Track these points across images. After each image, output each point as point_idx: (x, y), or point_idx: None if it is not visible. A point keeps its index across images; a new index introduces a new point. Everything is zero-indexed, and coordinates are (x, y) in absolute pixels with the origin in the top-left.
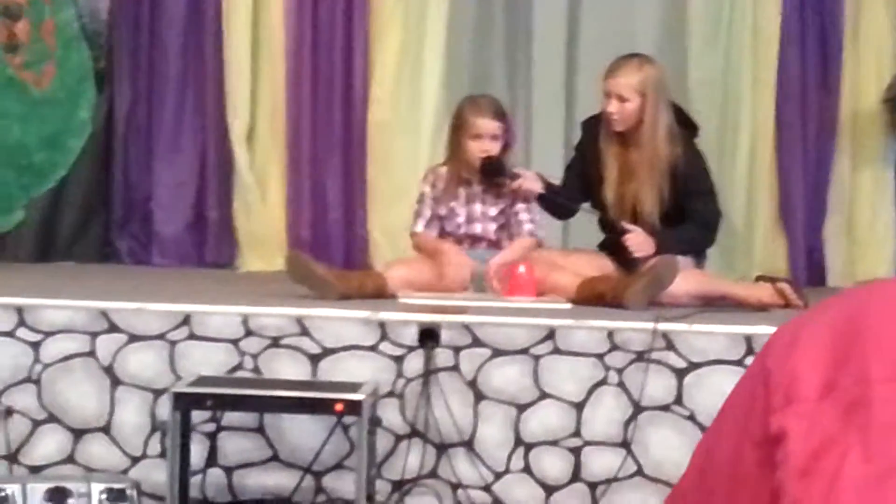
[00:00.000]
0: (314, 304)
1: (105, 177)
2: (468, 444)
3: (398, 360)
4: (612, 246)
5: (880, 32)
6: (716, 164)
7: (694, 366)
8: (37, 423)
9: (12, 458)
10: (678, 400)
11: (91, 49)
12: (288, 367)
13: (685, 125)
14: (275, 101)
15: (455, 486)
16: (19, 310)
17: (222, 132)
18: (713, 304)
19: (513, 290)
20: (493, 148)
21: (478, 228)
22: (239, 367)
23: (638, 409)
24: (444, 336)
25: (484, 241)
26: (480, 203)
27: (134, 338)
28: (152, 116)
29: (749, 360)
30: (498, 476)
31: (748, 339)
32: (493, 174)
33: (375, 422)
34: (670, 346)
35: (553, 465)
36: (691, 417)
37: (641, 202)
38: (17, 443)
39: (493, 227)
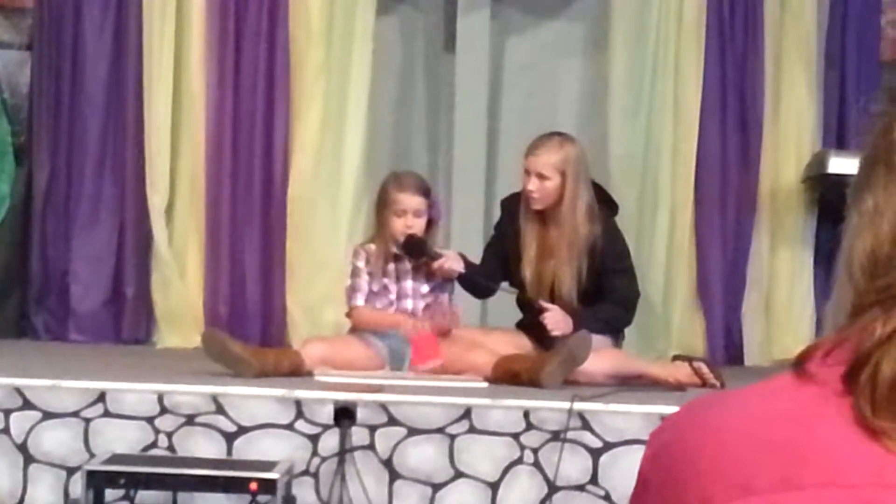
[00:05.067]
0: (230, 381)
1: (22, 251)
2: None
3: (313, 438)
4: (531, 324)
5: (801, 110)
6: (634, 242)
7: (609, 445)
8: None
9: None
10: (594, 479)
11: (11, 123)
12: (203, 445)
13: (605, 203)
14: (194, 175)
15: None
16: None
17: (141, 207)
18: (630, 384)
19: (417, 357)
20: (418, 224)
21: (409, 305)
22: (154, 444)
23: (553, 488)
24: (360, 414)
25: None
26: (412, 280)
27: (48, 415)
28: (71, 191)
29: None
30: None
31: (664, 419)
32: (415, 253)
33: (290, 501)
34: (586, 426)
35: None
36: (606, 497)
37: (560, 281)
38: None
39: (422, 304)
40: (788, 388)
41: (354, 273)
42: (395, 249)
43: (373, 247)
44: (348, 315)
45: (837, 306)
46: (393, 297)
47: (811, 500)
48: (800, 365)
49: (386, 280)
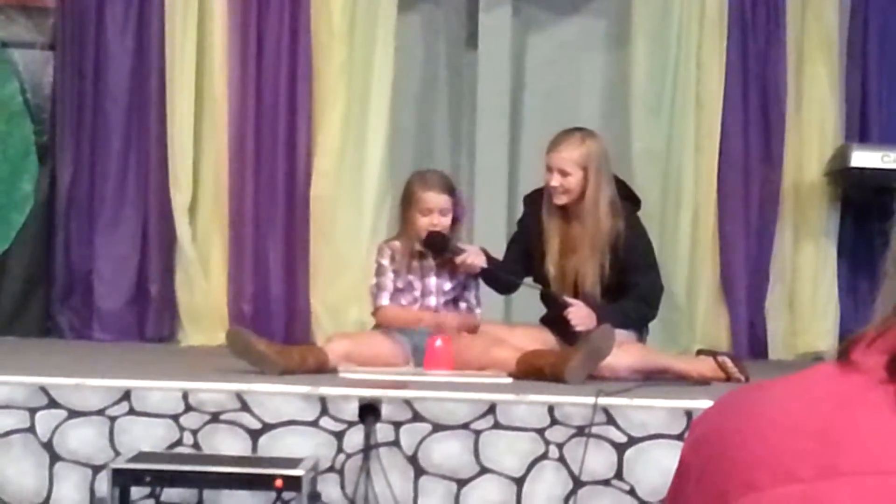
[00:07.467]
0: (254, 379)
1: (46, 250)
2: None
3: (338, 435)
4: (555, 320)
5: (823, 104)
6: (658, 237)
7: (634, 440)
8: None
9: None
10: (618, 474)
11: (34, 123)
12: (228, 443)
13: (628, 199)
14: (217, 174)
15: None
16: None
17: (164, 205)
18: (654, 378)
19: (429, 362)
20: (443, 222)
21: (432, 301)
22: (178, 442)
23: (578, 483)
24: (385, 411)
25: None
26: (436, 276)
27: (73, 413)
28: (94, 190)
29: None
30: None
31: (688, 414)
32: (437, 249)
33: (315, 497)
34: (611, 421)
35: None
36: (632, 492)
37: (583, 276)
38: None
39: (444, 300)
40: (831, 376)
41: (379, 271)
42: (418, 247)
43: (397, 244)
44: (373, 314)
45: (885, 299)
46: (417, 293)
47: (851, 487)
48: (844, 354)
49: (411, 277)
